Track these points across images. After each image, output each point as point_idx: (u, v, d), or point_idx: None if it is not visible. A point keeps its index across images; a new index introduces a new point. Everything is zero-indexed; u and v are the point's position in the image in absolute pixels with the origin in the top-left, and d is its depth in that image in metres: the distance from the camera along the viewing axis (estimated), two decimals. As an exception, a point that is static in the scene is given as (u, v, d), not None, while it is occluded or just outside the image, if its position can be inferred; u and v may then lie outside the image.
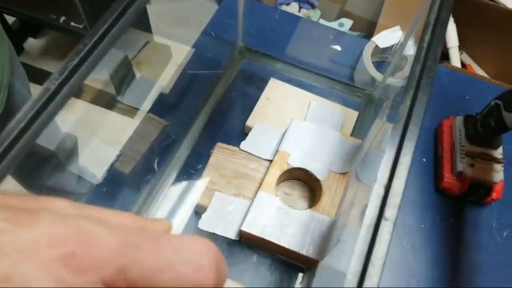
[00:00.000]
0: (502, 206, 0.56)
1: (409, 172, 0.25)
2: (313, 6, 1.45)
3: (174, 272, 0.17)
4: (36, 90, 0.59)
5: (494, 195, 0.54)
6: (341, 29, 1.38)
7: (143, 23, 0.66)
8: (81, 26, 1.43)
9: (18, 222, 0.15)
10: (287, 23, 0.67)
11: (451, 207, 0.55)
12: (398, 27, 0.61)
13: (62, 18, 1.43)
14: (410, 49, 0.45)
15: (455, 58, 1.37)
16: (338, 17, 1.43)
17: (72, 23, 1.43)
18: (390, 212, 0.23)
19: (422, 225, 0.54)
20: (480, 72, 1.40)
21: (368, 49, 0.60)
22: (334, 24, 1.40)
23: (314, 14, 1.41)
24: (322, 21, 1.41)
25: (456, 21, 1.42)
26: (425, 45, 0.30)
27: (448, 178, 0.55)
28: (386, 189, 0.24)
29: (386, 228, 0.23)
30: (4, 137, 0.24)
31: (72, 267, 0.16)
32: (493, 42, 1.40)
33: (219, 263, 0.18)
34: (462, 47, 1.46)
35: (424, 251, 0.52)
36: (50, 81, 0.28)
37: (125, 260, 0.16)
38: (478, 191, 0.54)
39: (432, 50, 0.30)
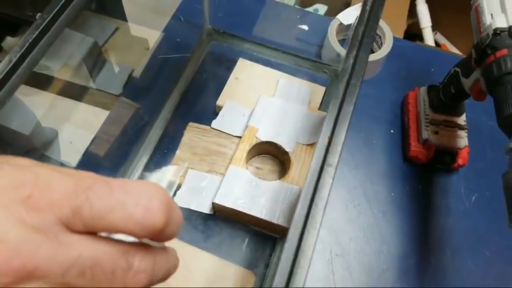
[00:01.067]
0: (469, 172, 0.58)
1: (349, 123, 0.27)
2: (288, -7, 1.46)
3: (124, 211, 0.18)
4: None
5: (460, 161, 0.56)
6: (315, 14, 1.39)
7: (116, 11, 0.67)
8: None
9: None
10: (254, 5, 0.69)
11: (420, 175, 0.57)
12: (360, 4, 0.63)
13: (38, 15, 1.42)
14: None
15: (429, 38, 1.39)
16: (312, 3, 1.44)
17: (48, 20, 1.42)
18: (332, 159, 0.25)
19: (392, 194, 0.56)
20: (455, 51, 1.43)
21: (333, 27, 0.61)
22: (309, 10, 1.41)
23: (288, 0, 1.42)
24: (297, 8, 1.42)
25: (428, 1, 1.44)
26: (367, 8, 0.32)
27: (414, 147, 0.56)
28: (329, 139, 0.26)
29: (328, 174, 0.24)
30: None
31: (30, 207, 0.17)
32: (466, 22, 1.41)
33: (170, 207, 0.19)
34: (436, 27, 1.48)
35: (395, 218, 0.54)
36: (12, 54, 0.29)
37: (78, 200, 0.17)
38: (444, 158, 0.56)
39: (374, 12, 0.31)
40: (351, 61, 0.29)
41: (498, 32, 0.40)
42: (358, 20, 0.32)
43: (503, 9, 0.42)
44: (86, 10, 0.51)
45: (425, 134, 0.55)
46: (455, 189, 0.56)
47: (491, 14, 0.42)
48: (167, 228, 0.19)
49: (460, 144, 0.55)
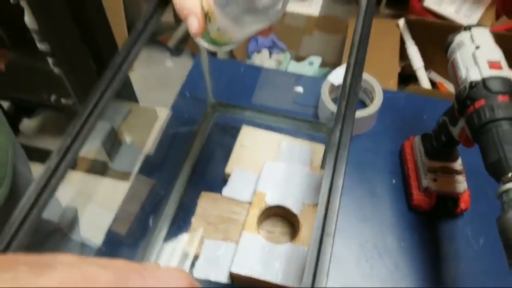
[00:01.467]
0: (474, 215, 0.59)
1: (342, 189, 0.30)
2: (282, 50, 1.54)
3: None
4: (35, 167, 0.64)
5: (462, 205, 0.58)
6: (311, 67, 1.47)
7: (127, 93, 0.73)
8: (71, 102, 1.52)
9: (36, 273, 0.20)
10: (251, 75, 0.75)
11: (426, 222, 0.59)
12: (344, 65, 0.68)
13: (53, 97, 1.52)
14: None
15: (423, 78, 1.44)
16: (308, 55, 1.52)
17: (63, 100, 1.52)
18: (330, 228, 0.28)
19: (402, 244, 0.58)
20: (451, 88, 1.48)
21: (325, 88, 0.66)
22: (304, 64, 1.49)
23: (285, 57, 1.50)
24: (293, 63, 1.49)
25: (417, 43, 1.51)
26: (347, 84, 0.36)
27: (416, 195, 0.59)
28: (326, 208, 0.29)
29: (327, 243, 0.27)
30: (16, 217, 0.29)
31: None
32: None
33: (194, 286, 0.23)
34: (429, 66, 1.54)
35: (408, 268, 0.55)
36: (50, 160, 0.33)
37: None
38: (446, 204, 0.58)
39: (353, 89, 0.35)
40: (337, 134, 0.33)
41: (473, 85, 0.44)
42: (340, 96, 0.36)
43: (476, 62, 0.46)
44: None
45: (425, 182, 0.58)
46: (462, 233, 0.58)
47: (466, 67, 0.47)
48: None
49: (459, 189, 0.57)
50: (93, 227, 0.69)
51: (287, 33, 1.63)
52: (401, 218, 0.60)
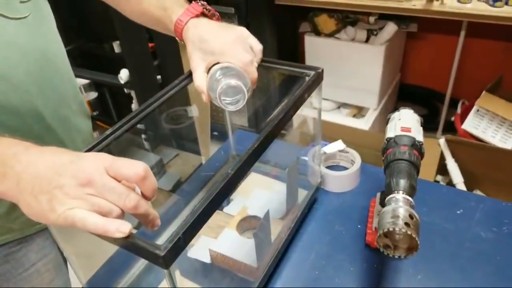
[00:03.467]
0: (416, 257, 0.71)
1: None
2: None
3: (128, 169, 0.45)
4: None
5: (405, 245, 0.72)
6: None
7: (178, 145, 1.03)
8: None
9: None
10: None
11: (375, 257, 0.74)
12: (339, 140, 0.91)
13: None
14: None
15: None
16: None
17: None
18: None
19: (351, 269, 0.72)
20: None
21: (309, 154, 0.89)
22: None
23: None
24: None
25: (458, 161, 1.64)
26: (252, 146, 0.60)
27: (369, 234, 0.75)
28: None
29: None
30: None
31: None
32: (498, 176, 1.56)
33: (148, 169, 0.45)
34: (475, 186, 1.62)
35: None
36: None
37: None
38: (391, 242, 0.73)
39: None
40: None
41: (388, 140, 0.65)
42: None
43: (394, 128, 0.67)
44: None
45: (375, 223, 0.74)
46: (404, 268, 0.71)
47: (387, 131, 0.68)
48: (146, 179, 0.45)
49: (401, 230, 0.72)
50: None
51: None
52: (356, 252, 0.74)
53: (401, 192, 0.57)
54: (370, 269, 0.72)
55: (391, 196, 0.57)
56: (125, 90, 1.69)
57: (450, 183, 1.64)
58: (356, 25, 1.93)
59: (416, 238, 0.51)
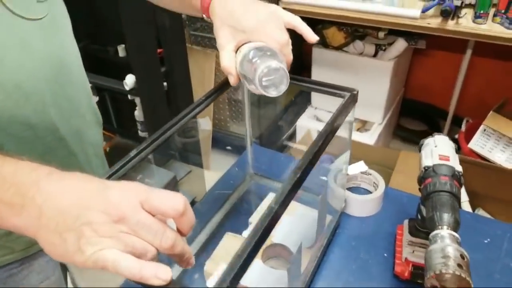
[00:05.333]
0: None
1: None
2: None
3: (165, 204, 0.40)
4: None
5: (436, 278, 0.69)
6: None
7: (193, 160, 0.98)
8: (150, 181, 1.84)
9: None
10: (286, 161, 0.97)
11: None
12: (362, 161, 0.87)
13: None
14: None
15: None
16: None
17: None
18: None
19: (384, 303, 0.69)
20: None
21: (330, 175, 0.85)
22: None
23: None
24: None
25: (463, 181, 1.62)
26: (297, 168, 0.55)
27: (398, 264, 0.71)
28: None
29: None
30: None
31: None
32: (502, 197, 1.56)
33: (187, 203, 0.41)
34: (479, 204, 1.61)
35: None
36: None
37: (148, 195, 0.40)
38: (422, 273, 0.69)
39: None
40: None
41: (426, 168, 0.62)
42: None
43: (431, 155, 0.64)
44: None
45: (405, 253, 0.71)
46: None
47: (425, 158, 0.64)
48: (184, 215, 0.40)
49: (433, 262, 0.69)
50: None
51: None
52: (385, 283, 0.71)
53: (445, 227, 0.54)
54: (400, 302, 0.68)
55: (436, 232, 0.53)
56: (129, 97, 1.64)
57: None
58: (365, 39, 1.91)
59: (470, 280, 0.48)
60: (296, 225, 0.74)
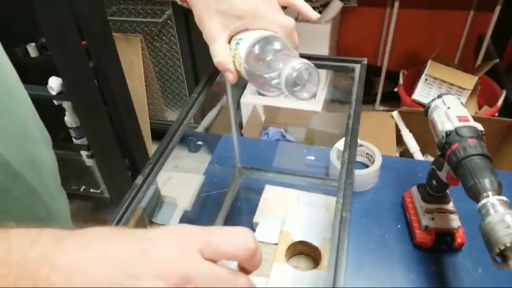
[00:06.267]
0: (471, 250, 0.68)
1: (349, 221, 0.39)
2: (290, 141, 1.72)
3: (232, 245, 0.31)
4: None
5: (459, 239, 0.67)
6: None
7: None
8: (99, 191, 1.66)
9: None
10: (271, 146, 0.89)
11: (430, 257, 0.68)
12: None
13: (83, 187, 1.66)
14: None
15: (420, 159, 1.59)
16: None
17: (91, 190, 1.66)
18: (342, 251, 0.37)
19: (411, 276, 0.66)
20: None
21: (333, 152, 0.80)
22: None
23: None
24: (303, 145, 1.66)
25: (411, 131, 1.68)
26: (346, 158, 0.47)
27: (419, 234, 0.69)
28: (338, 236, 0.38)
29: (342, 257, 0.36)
30: None
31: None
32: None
33: (256, 241, 0.32)
34: (426, 151, 1.69)
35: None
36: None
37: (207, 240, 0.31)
38: (445, 239, 0.68)
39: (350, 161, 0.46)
40: (340, 201, 0.43)
41: (448, 133, 0.58)
42: (341, 164, 0.47)
43: (448, 118, 0.60)
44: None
45: (424, 221, 0.68)
46: (462, 264, 0.66)
47: (441, 122, 0.61)
48: (256, 254, 0.32)
49: (454, 225, 0.67)
50: None
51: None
52: (408, 255, 0.68)
53: (490, 193, 0.51)
54: (428, 272, 0.66)
55: (484, 201, 0.50)
56: (55, 102, 1.42)
57: (405, 152, 1.68)
58: (297, 4, 1.85)
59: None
60: (306, 215, 0.68)
